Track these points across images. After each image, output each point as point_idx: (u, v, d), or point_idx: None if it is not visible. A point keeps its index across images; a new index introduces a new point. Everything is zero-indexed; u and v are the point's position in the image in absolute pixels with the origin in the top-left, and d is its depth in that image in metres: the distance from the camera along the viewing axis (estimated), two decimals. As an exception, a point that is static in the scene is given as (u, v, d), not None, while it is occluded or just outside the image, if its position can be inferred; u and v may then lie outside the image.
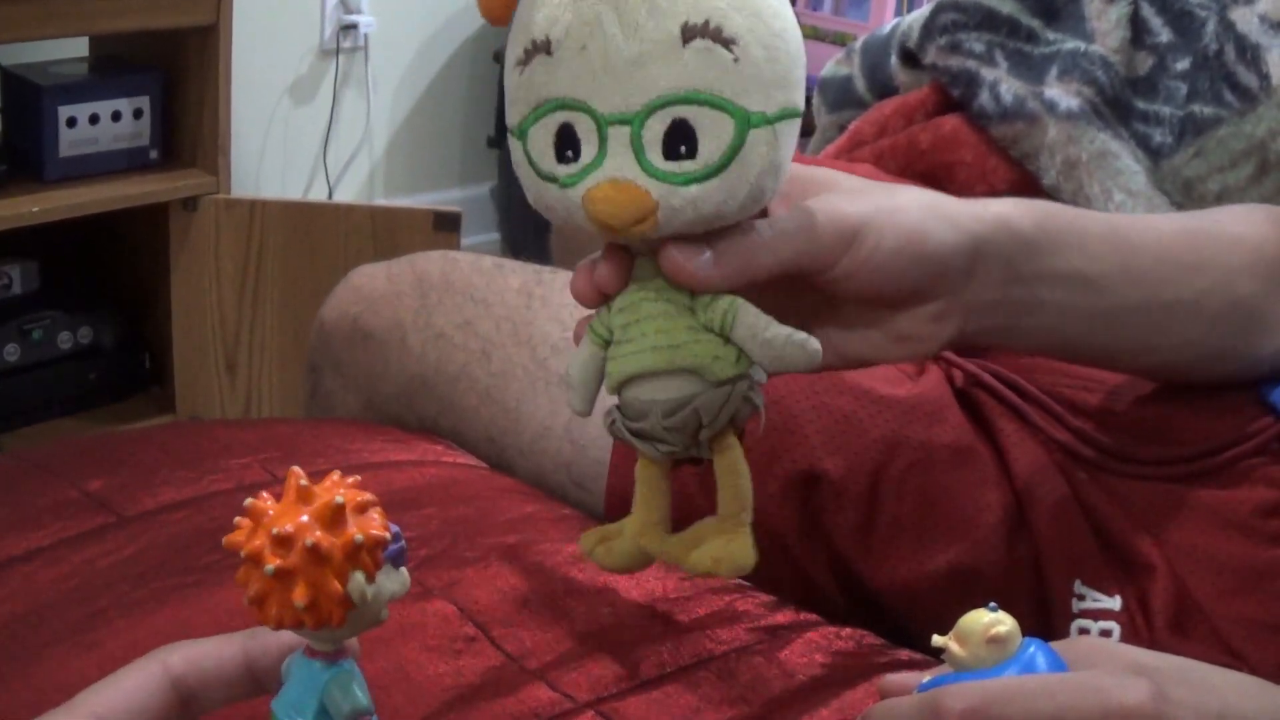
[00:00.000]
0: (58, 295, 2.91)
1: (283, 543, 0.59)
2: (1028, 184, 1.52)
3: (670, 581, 1.01)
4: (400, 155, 3.92)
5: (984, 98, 1.55)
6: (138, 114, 2.80)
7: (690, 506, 0.91)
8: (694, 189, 0.80)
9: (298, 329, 2.75)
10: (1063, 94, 1.51)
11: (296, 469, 0.61)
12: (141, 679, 0.65)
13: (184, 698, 0.65)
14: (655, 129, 0.79)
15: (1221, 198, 1.46)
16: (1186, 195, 1.49)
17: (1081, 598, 1.07)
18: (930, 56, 1.62)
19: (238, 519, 0.60)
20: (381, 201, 3.81)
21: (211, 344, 2.91)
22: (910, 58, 1.68)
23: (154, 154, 2.85)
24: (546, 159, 0.83)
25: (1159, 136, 1.51)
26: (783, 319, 0.83)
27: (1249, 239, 1.08)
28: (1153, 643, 1.02)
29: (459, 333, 1.29)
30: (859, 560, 1.12)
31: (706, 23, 0.78)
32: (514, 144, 0.85)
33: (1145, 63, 1.54)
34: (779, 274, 0.85)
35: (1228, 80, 1.48)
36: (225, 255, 2.85)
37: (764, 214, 0.86)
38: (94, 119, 2.74)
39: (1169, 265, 1.03)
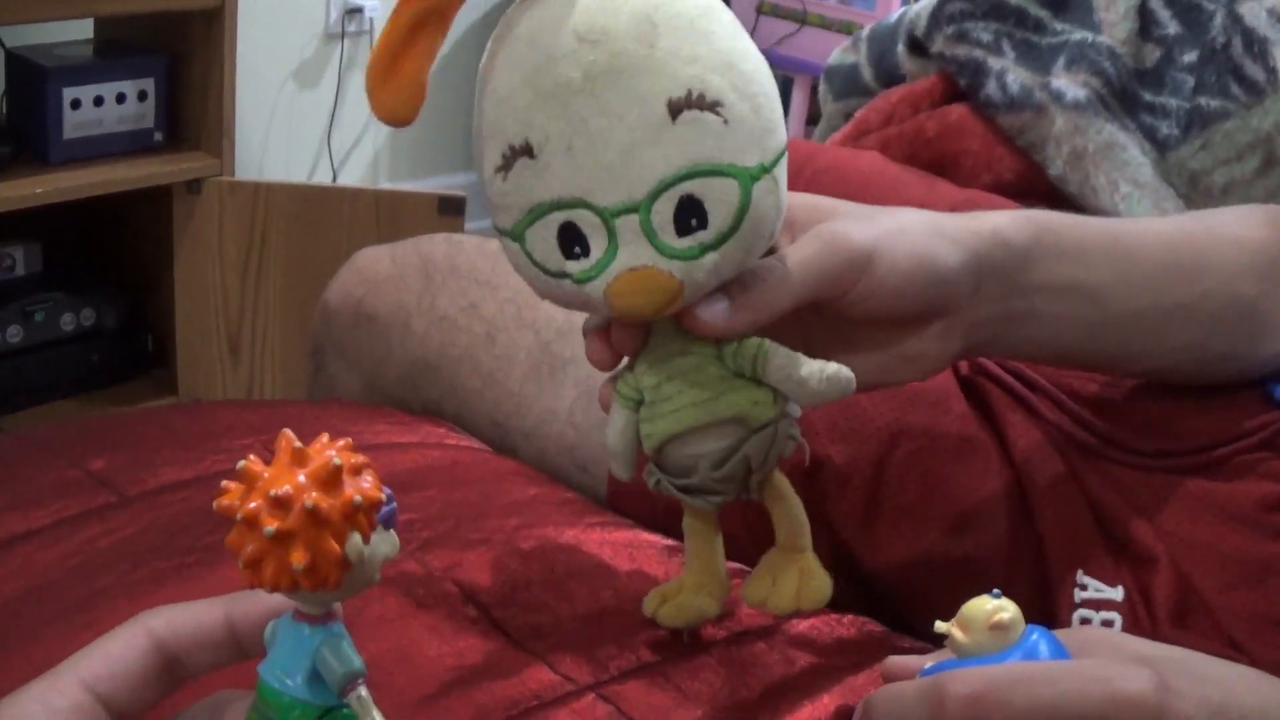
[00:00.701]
0: (60, 277, 2.91)
1: (281, 504, 0.58)
2: (1034, 174, 1.52)
3: (672, 566, 1.01)
4: (405, 139, 3.92)
5: (991, 87, 1.55)
6: (142, 96, 2.80)
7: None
8: (712, 257, 0.80)
9: (301, 312, 2.75)
10: (1070, 84, 1.51)
11: (288, 431, 0.60)
12: (126, 643, 0.64)
13: (169, 661, 0.65)
14: (664, 211, 0.79)
15: (1227, 190, 1.46)
16: (1192, 187, 1.49)
17: (1084, 588, 1.07)
18: (937, 45, 1.62)
19: (225, 482, 0.60)
20: (386, 185, 3.81)
21: (214, 326, 2.91)
22: (917, 46, 1.67)
23: (158, 136, 2.84)
24: (553, 258, 0.82)
25: (1165, 128, 1.51)
26: (794, 349, 0.84)
27: (1249, 240, 1.08)
28: (1154, 634, 1.02)
29: (463, 316, 1.29)
30: (861, 548, 1.11)
31: (689, 93, 0.78)
32: (509, 245, 0.84)
33: (1152, 55, 1.54)
34: (798, 307, 0.86)
35: (1235, 73, 1.48)
36: (229, 238, 2.85)
37: (770, 249, 0.86)
38: (98, 101, 2.74)
39: (1168, 270, 1.03)
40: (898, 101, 1.63)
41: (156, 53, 2.84)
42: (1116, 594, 1.05)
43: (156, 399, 2.94)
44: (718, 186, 0.79)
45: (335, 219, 2.82)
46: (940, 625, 0.77)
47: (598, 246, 0.80)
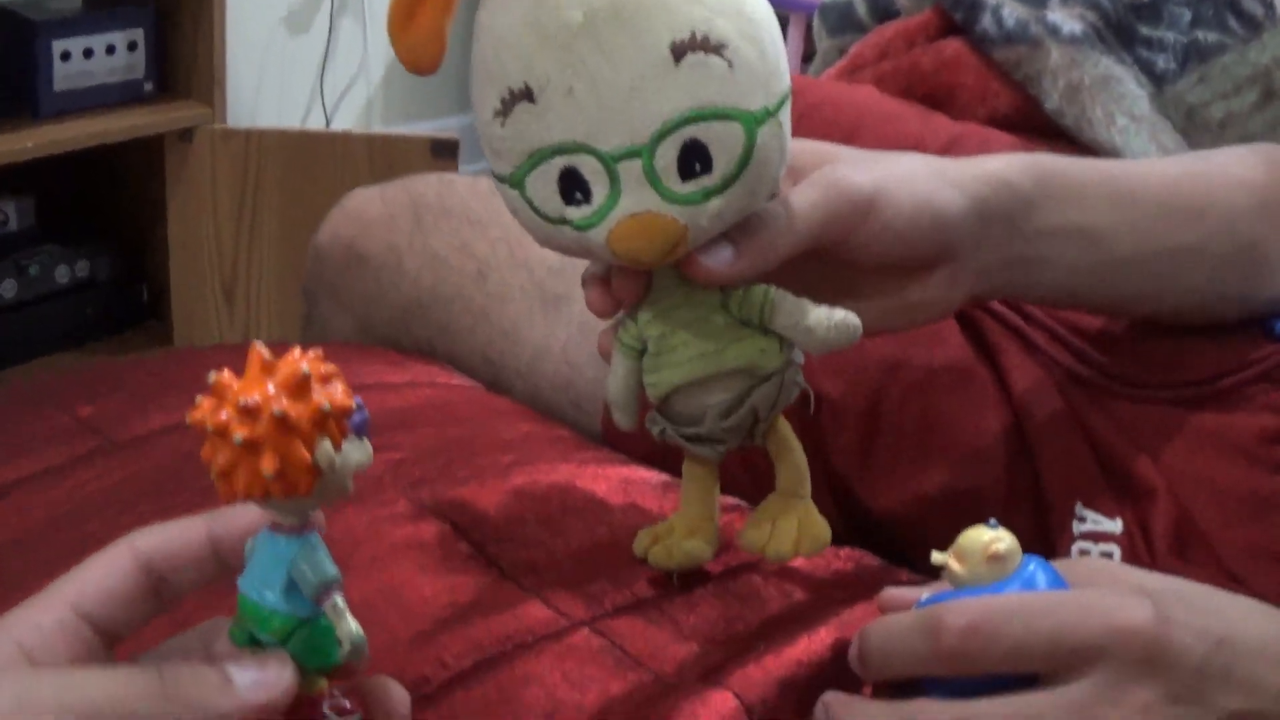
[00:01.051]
0: (54, 230, 2.91)
1: (249, 413, 0.58)
2: (1030, 108, 1.51)
3: (667, 502, 1.00)
4: (397, 83, 3.90)
5: (986, 21, 1.54)
6: (132, 47, 2.79)
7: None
8: (716, 202, 0.79)
9: (295, 258, 2.74)
10: (1065, 18, 1.50)
11: (257, 343, 0.60)
12: (110, 562, 0.64)
13: (154, 580, 0.65)
14: (667, 155, 0.78)
15: (1225, 124, 1.45)
16: (1190, 121, 1.48)
17: (1082, 520, 1.06)
18: (932, -21, 1.61)
19: (200, 397, 0.60)
20: (379, 129, 3.79)
21: (209, 275, 2.90)
22: (912, -19, 1.66)
23: (149, 86, 2.83)
24: (553, 204, 0.81)
25: (1162, 63, 1.50)
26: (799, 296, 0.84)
27: (1252, 181, 1.08)
28: (1153, 567, 1.02)
29: (455, 255, 1.28)
30: (858, 481, 1.11)
31: (694, 35, 0.77)
32: (507, 192, 0.83)
33: (1148, -13, 1.53)
34: (802, 252, 0.85)
35: (1232, 7, 1.47)
36: (222, 186, 2.84)
37: (772, 195, 0.86)
38: (88, 53, 2.73)
39: (1171, 212, 1.03)
40: (892, 36, 1.62)
41: (145, 3, 2.83)
42: (1115, 526, 1.05)
43: (152, 350, 2.93)
44: (722, 130, 0.78)
45: (328, 164, 2.80)
46: (937, 556, 0.76)
47: (599, 192, 0.80)
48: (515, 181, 0.82)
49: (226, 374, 0.60)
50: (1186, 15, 1.50)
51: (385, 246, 1.32)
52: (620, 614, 0.88)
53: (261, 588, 0.63)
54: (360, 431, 0.62)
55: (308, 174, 2.80)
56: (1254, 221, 1.06)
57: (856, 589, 0.93)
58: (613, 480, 1.03)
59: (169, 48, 2.87)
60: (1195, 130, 1.48)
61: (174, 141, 2.82)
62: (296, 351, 0.61)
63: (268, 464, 0.59)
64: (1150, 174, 1.06)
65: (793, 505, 0.89)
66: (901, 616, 0.76)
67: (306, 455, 0.59)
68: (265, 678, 0.62)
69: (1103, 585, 0.76)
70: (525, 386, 1.24)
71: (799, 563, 0.95)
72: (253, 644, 0.63)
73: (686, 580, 0.91)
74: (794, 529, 0.89)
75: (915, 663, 0.75)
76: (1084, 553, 1.04)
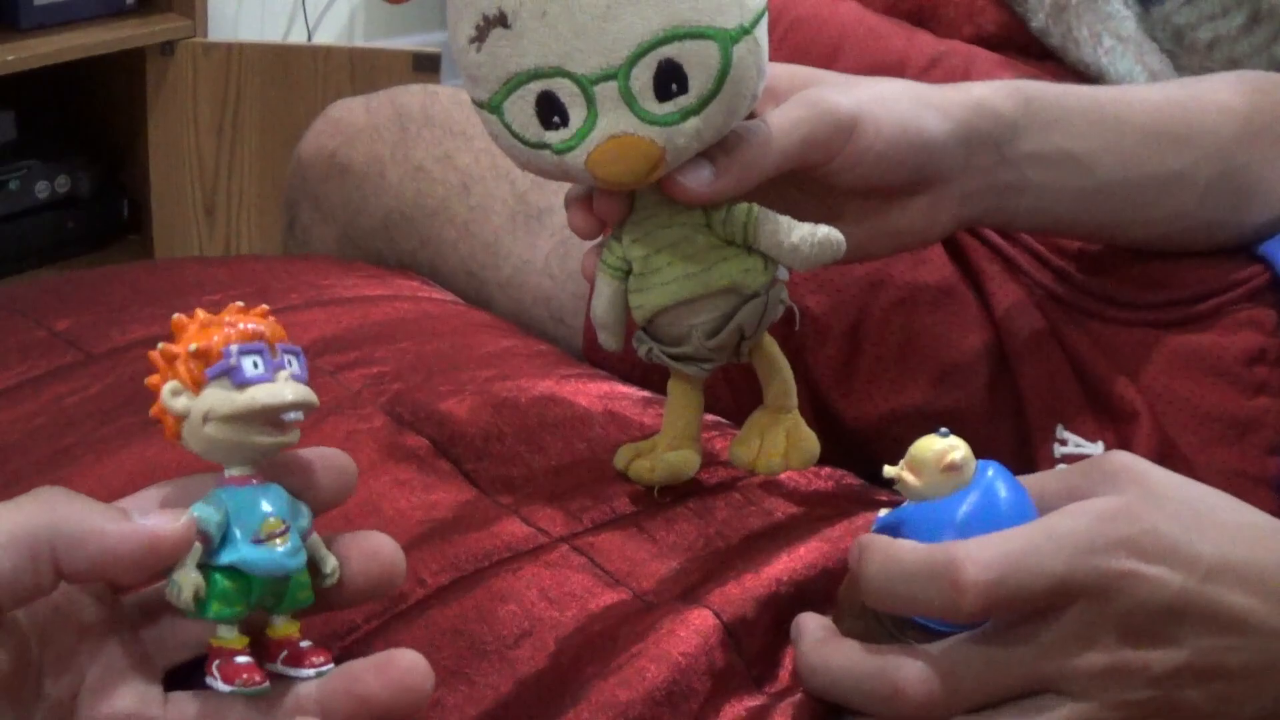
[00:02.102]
0: (34, 144, 2.88)
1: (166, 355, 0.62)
2: (1015, 26, 1.50)
3: (648, 418, 1.00)
4: (380, -3, 3.88)
5: (973, -63, 1.53)
6: (112, -42, 2.76)
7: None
8: (693, 122, 0.79)
9: (277, 174, 2.74)
10: (1053, -65, 1.49)
11: (237, 303, 0.64)
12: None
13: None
14: (643, 76, 0.79)
15: (1213, 46, 1.45)
16: (1177, 43, 1.47)
17: (1064, 442, 1.07)
18: (919, -104, 1.60)
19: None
20: (361, 44, 3.77)
21: (190, 190, 2.89)
22: (899, -103, 1.65)
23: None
24: (532, 129, 0.82)
25: (1150, -17, 1.49)
26: None
27: (1239, 108, 1.08)
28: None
29: (438, 166, 1.28)
30: (839, 398, 1.11)
31: None
32: (486, 118, 0.84)
33: (1138, -93, 1.52)
34: (783, 171, 0.86)
35: (1222, -73, 1.47)
36: (203, 100, 2.83)
37: (751, 115, 0.85)
38: (68, -35, 2.70)
39: (1158, 138, 1.03)
40: (878, -49, 1.61)
41: (126, -85, 2.80)
42: (1097, 449, 1.05)
43: (134, 263, 2.92)
44: (697, 49, 0.78)
45: (310, 78, 2.79)
46: (889, 470, 0.75)
47: (577, 115, 0.80)
48: (493, 107, 0.82)
49: (181, 317, 0.63)
50: (1176, -64, 1.50)
51: (369, 157, 1.32)
52: (599, 530, 0.87)
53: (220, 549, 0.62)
54: (233, 376, 0.61)
55: (289, 88, 2.80)
56: (1239, 148, 1.06)
57: (837, 507, 0.93)
58: (593, 396, 1.02)
59: (150, -41, 2.85)
60: (1182, 52, 1.47)
61: (155, 55, 2.80)
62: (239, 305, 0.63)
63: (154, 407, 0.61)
64: (1135, 99, 1.06)
65: (780, 419, 0.90)
66: (907, 551, 0.72)
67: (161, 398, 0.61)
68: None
69: (1130, 492, 0.72)
70: (507, 300, 1.24)
71: (778, 481, 0.95)
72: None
73: (666, 496, 0.91)
74: (782, 442, 0.90)
75: (922, 609, 0.72)
76: (1067, 477, 1.04)
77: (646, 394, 1.04)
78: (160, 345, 0.61)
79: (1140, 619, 0.69)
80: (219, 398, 0.60)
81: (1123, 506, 0.71)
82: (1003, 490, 0.73)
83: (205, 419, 0.60)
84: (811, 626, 0.77)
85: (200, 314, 0.62)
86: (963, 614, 0.69)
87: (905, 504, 0.76)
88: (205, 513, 0.61)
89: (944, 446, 0.73)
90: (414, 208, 1.29)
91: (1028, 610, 0.70)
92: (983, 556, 0.69)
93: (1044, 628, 0.70)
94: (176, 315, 0.63)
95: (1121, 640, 0.69)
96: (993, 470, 0.74)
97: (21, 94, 2.84)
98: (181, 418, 0.61)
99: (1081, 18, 1.46)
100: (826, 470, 0.98)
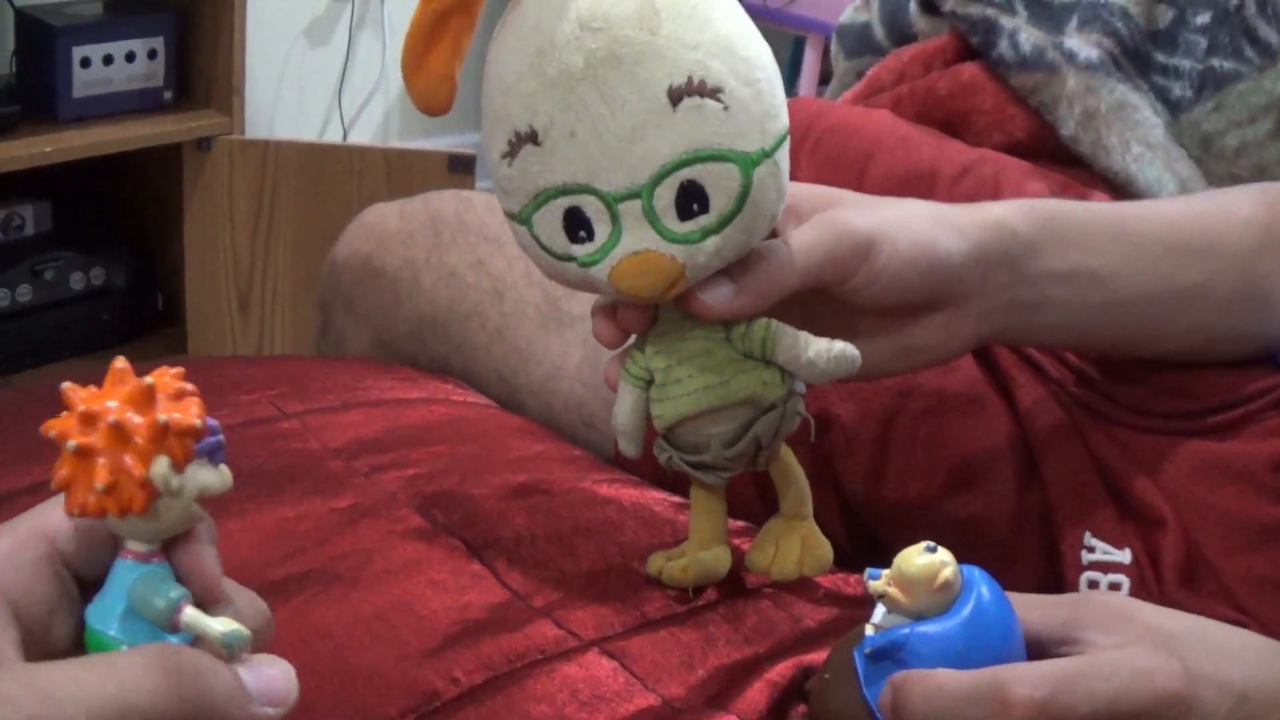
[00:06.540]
0: (70, 236, 2.90)
1: (87, 420, 0.58)
2: (1046, 133, 1.51)
3: (679, 522, 1.01)
4: (416, 99, 3.90)
5: (1003, 46, 1.54)
6: (152, 54, 2.80)
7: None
8: (714, 241, 0.82)
9: (311, 270, 2.75)
10: (1082, 44, 1.50)
11: (119, 359, 0.60)
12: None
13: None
14: (665, 196, 0.81)
15: (1240, 153, 1.45)
16: (1205, 150, 1.48)
17: (1091, 550, 1.06)
18: (949, 4, 1.61)
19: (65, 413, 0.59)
20: (396, 144, 3.80)
21: (224, 285, 2.91)
22: (929, 5, 1.66)
23: (168, 95, 2.84)
24: (559, 242, 0.84)
25: (1178, 90, 1.50)
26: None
27: (1259, 219, 1.08)
28: (1162, 597, 1.02)
29: (471, 271, 1.29)
30: (869, 506, 1.11)
31: (690, 80, 0.80)
32: (516, 228, 0.86)
33: (1165, 15, 1.53)
34: (801, 289, 0.87)
35: (1248, 35, 1.47)
36: (239, 196, 2.85)
37: (772, 234, 0.88)
38: (108, 59, 2.74)
39: (1176, 251, 1.04)
40: (909, 60, 1.62)
41: (165, 11, 2.84)
42: (1124, 557, 1.05)
43: (166, 357, 2.92)
44: (718, 171, 0.81)
45: (345, 177, 2.81)
46: (874, 585, 0.75)
47: (602, 231, 0.83)
48: (523, 219, 0.85)
49: (76, 387, 0.59)
50: (1203, 43, 1.50)
51: (403, 261, 1.33)
52: (630, 634, 0.88)
53: (106, 618, 0.61)
54: (215, 457, 0.60)
55: (324, 186, 2.81)
56: (1259, 258, 1.06)
57: (867, 613, 0.93)
58: (625, 501, 1.03)
59: (189, 56, 2.88)
60: (1210, 159, 1.48)
61: (192, 150, 2.83)
62: (164, 368, 0.60)
63: (100, 476, 0.57)
64: (1154, 214, 1.06)
65: (795, 526, 0.92)
66: (949, 681, 0.72)
67: (140, 470, 0.58)
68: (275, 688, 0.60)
69: (1121, 630, 0.74)
70: (539, 404, 1.25)
71: (808, 588, 0.95)
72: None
73: (700, 597, 0.92)
74: (797, 549, 0.92)
75: None
76: (1093, 584, 1.04)
77: (677, 499, 1.05)
78: (81, 408, 0.58)
79: None
80: (210, 476, 0.60)
81: (1162, 643, 0.72)
82: (991, 601, 0.74)
83: (199, 496, 0.60)
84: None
85: (116, 367, 0.60)
86: None
87: (890, 620, 0.76)
88: (144, 603, 0.60)
89: (934, 564, 0.73)
90: (447, 312, 1.30)
91: None
92: (1031, 675, 0.70)
93: None
94: (68, 385, 0.60)
95: None
96: (980, 582, 0.74)
97: (58, 185, 2.87)
98: (167, 493, 0.59)
99: (1111, 125, 1.46)
100: (856, 577, 0.99)
